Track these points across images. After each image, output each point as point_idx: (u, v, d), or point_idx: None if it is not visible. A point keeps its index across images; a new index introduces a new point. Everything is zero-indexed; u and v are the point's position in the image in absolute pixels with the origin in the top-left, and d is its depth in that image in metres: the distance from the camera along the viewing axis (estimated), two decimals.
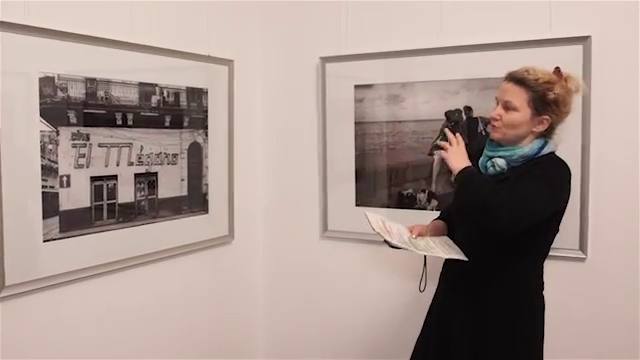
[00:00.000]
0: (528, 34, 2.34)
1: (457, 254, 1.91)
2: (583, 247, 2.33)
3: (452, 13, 2.52)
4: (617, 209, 2.29)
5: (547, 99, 1.82)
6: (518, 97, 1.83)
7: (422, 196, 2.62)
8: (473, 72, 2.44)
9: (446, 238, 2.06)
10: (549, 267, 2.34)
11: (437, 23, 2.54)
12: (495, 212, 1.69)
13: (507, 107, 1.85)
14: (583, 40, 2.26)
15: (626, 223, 2.27)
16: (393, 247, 1.94)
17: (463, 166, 1.84)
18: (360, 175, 2.77)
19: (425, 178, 2.61)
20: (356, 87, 2.75)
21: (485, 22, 2.45)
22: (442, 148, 1.94)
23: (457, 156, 1.87)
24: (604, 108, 2.27)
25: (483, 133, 2.46)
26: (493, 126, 1.90)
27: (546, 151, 1.87)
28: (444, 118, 2.53)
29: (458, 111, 2.51)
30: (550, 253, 2.38)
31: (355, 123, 2.76)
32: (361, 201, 2.77)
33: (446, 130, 1.98)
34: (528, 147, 1.87)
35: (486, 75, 2.42)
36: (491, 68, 2.41)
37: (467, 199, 1.82)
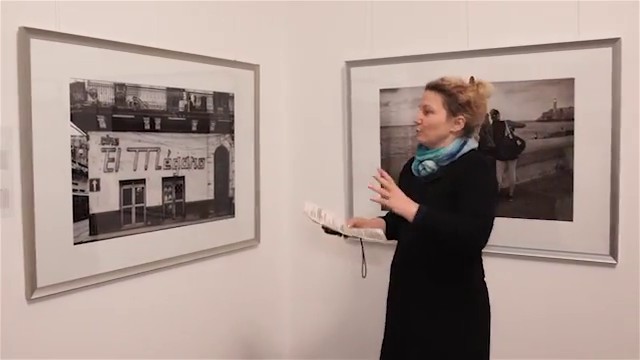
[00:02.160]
0: (556, 37, 2.32)
1: (375, 237, 2.10)
2: (614, 252, 2.28)
3: (478, 16, 2.50)
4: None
5: (460, 101, 2.00)
6: (435, 101, 2.03)
7: None
8: (499, 75, 2.41)
9: (379, 229, 2.14)
10: (576, 273, 2.31)
11: (463, 26, 2.53)
12: (471, 240, 1.91)
13: (426, 111, 2.04)
14: (612, 42, 2.23)
15: None
16: (328, 232, 2.16)
17: (414, 209, 1.92)
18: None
19: None
20: (381, 91, 2.75)
21: (512, 25, 2.44)
22: (382, 191, 1.98)
23: (402, 200, 1.96)
24: (635, 110, 2.23)
25: (510, 137, 2.44)
26: (417, 131, 2.08)
27: (467, 149, 2.03)
28: None
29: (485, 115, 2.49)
30: (578, 259, 2.36)
31: (380, 127, 2.77)
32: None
33: (378, 171, 2.02)
34: (450, 146, 2.03)
35: (512, 78, 2.41)
36: (517, 71, 2.41)
37: (439, 238, 1.93)
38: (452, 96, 2.01)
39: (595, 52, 2.26)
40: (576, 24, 2.30)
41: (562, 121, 2.34)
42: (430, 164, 2.04)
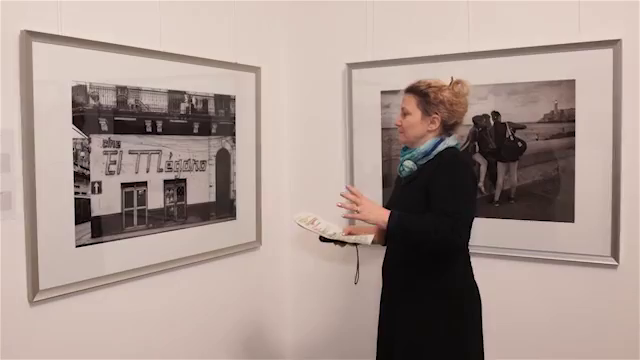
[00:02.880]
0: (556, 38, 2.32)
1: (360, 241, 2.15)
2: (615, 254, 2.28)
3: (479, 18, 2.51)
4: None
5: (432, 101, 2.06)
6: (409, 103, 2.11)
7: None
8: (501, 77, 2.43)
9: (370, 235, 2.18)
10: (578, 274, 2.31)
11: (464, 28, 2.54)
12: (445, 240, 1.90)
13: (404, 113, 2.12)
14: (613, 44, 2.23)
15: None
16: (323, 241, 2.26)
17: (386, 216, 1.96)
18: (387, 181, 2.77)
19: None
20: (383, 93, 2.75)
21: (512, 27, 2.44)
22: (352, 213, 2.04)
23: (372, 210, 2.01)
24: (635, 111, 2.23)
25: (511, 138, 2.44)
26: (399, 132, 2.17)
27: (442, 147, 2.05)
28: (472, 124, 2.51)
29: (486, 116, 2.49)
30: (579, 260, 2.36)
31: (382, 129, 2.77)
32: (388, 207, 2.76)
33: (347, 188, 2.09)
34: (425, 145, 2.07)
35: (514, 80, 2.42)
36: (519, 73, 2.41)
37: (413, 241, 1.99)
38: (425, 96, 2.07)
39: (596, 53, 2.26)
40: (577, 25, 2.30)
41: (563, 122, 2.34)
42: (409, 164, 2.09)
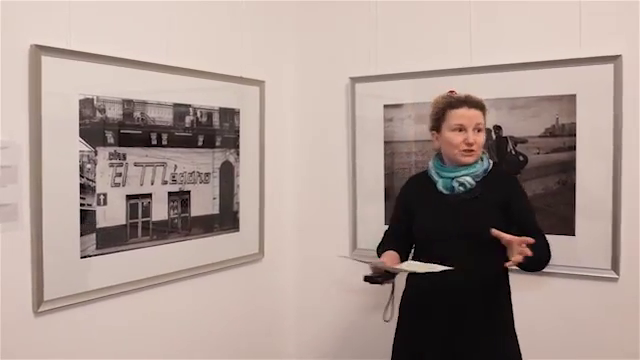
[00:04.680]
0: (558, 54, 2.34)
1: (442, 267, 1.90)
2: (615, 267, 2.29)
3: (481, 33, 2.53)
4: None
5: (485, 115, 2.05)
6: (482, 119, 2.03)
7: None
8: (502, 91, 2.45)
9: (412, 262, 2.07)
10: (579, 287, 2.31)
11: (466, 43, 2.56)
12: (550, 257, 1.98)
13: (478, 129, 2.02)
14: (614, 59, 2.25)
15: None
16: (375, 282, 1.98)
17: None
18: (389, 194, 2.78)
19: None
20: (385, 107, 2.77)
21: (514, 42, 2.46)
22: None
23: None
24: (636, 126, 2.25)
25: (513, 152, 2.45)
26: (469, 151, 2.00)
27: (491, 164, 2.08)
28: None
29: (487, 130, 2.50)
30: (580, 273, 2.37)
31: (384, 142, 2.79)
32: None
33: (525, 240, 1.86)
34: (485, 162, 2.06)
35: (515, 94, 2.44)
36: (520, 87, 2.43)
37: (542, 264, 1.99)
38: (485, 111, 2.04)
39: (597, 69, 2.28)
40: (578, 41, 2.32)
41: (564, 137, 2.36)
42: (469, 180, 2.01)
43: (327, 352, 3.07)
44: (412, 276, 2.10)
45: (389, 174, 2.78)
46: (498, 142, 2.50)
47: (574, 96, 2.34)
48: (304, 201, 3.10)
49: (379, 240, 2.80)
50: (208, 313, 2.62)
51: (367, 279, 1.99)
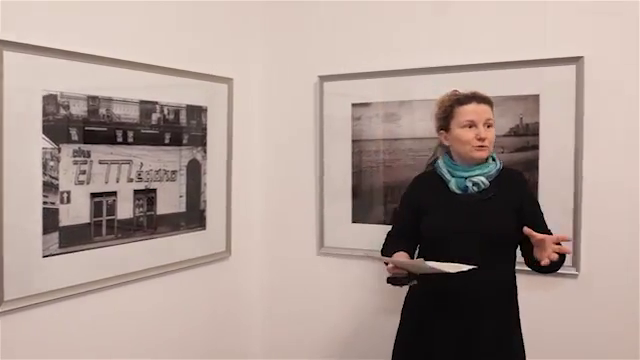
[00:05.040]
0: (522, 54, 2.39)
1: (464, 266, 1.84)
2: (576, 264, 2.35)
3: (449, 33, 2.57)
4: (610, 225, 2.32)
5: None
6: (491, 115, 2.03)
7: None
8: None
9: (422, 260, 1.92)
10: (541, 284, 2.37)
11: (433, 43, 2.60)
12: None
13: (489, 125, 2.01)
14: (576, 60, 2.31)
15: (620, 238, 2.31)
16: (400, 284, 1.93)
17: None
18: (357, 192, 2.80)
19: None
20: (353, 105, 2.79)
21: (481, 42, 2.50)
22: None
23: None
24: (597, 126, 2.31)
25: None
26: (480, 147, 1.99)
27: (501, 163, 2.08)
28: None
29: None
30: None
31: (352, 141, 2.80)
32: (357, 218, 2.81)
33: (527, 231, 1.88)
34: (497, 162, 2.06)
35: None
36: (486, 87, 2.40)
37: (557, 268, 1.94)
38: (492, 107, 2.04)
39: (560, 70, 2.33)
40: (543, 42, 2.38)
41: (528, 136, 2.41)
42: (483, 180, 2.00)
43: (293, 351, 3.08)
44: (420, 277, 1.99)
45: (357, 172, 2.80)
46: None
47: (538, 96, 2.38)
48: (272, 199, 3.10)
49: (346, 237, 2.84)
50: (174, 312, 2.61)
51: (390, 280, 1.95)
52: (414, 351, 2.09)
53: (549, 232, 1.97)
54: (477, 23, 2.51)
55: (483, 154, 2.00)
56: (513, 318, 2.05)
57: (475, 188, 2.00)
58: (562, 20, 2.35)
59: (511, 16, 2.44)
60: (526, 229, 1.87)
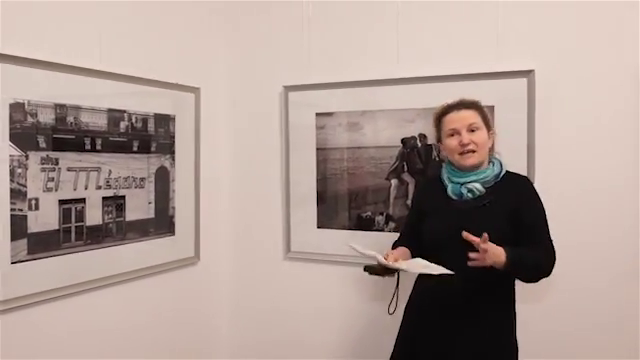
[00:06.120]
0: (477, 67, 2.50)
1: (443, 269, 1.91)
2: None
3: (408, 46, 2.66)
4: (558, 224, 2.36)
5: (486, 115, 2.08)
6: (476, 118, 2.04)
7: (380, 218, 2.73)
8: (428, 101, 2.55)
9: (419, 259, 2.03)
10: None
11: (394, 55, 2.68)
12: (549, 270, 1.96)
13: (471, 129, 2.02)
14: (527, 74, 2.42)
15: (568, 237, 2.35)
16: (375, 273, 1.98)
17: (504, 256, 1.85)
18: (322, 198, 2.87)
19: (383, 201, 2.72)
20: (317, 115, 2.85)
21: (439, 55, 2.60)
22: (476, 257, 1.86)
23: (495, 255, 1.84)
24: (547, 138, 2.42)
25: (437, 159, 2.59)
26: (466, 152, 2.01)
27: (505, 168, 2.07)
28: (400, 145, 2.66)
29: (414, 138, 2.64)
30: None
31: (317, 149, 2.86)
32: (322, 223, 2.87)
33: (482, 240, 1.83)
34: (497, 166, 2.05)
35: (439, 104, 2.55)
36: (444, 98, 2.47)
37: (532, 274, 1.96)
38: (482, 111, 2.05)
39: (512, 82, 2.44)
40: (495, 56, 2.48)
41: None
42: (478, 186, 2.00)
43: (259, 352, 3.12)
44: (420, 277, 2.10)
45: (321, 179, 2.86)
46: (424, 149, 2.63)
47: (493, 107, 2.46)
48: (239, 206, 3.15)
49: (312, 242, 2.91)
50: (144, 316, 2.63)
51: (367, 269, 1.99)
52: (403, 351, 2.15)
53: (545, 242, 1.96)
54: (435, 37, 2.61)
55: (471, 160, 2.01)
56: (503, 323, 2.02)
57: (470, 195, 2.02)
58: (514, 36, 2.46)
59: (468, 31, 2.55)
60: (464, 233, 1.86)
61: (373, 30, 2.75)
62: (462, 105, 2.06)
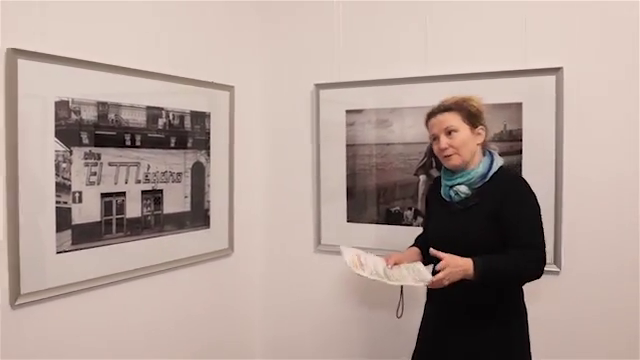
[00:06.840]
0: (505, 65, 2.50)
1: (423, 281, 1.91)
2: (557, 261, 2.45)
3: (436, 45, 2.68)
4: (589, 226, 2.42)
5: (476, 112, 2.01)
6: (454, 119, 2.00)
7: (409, 213, 2.77)
8: None
9: (419, 264, 2.06)
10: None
11: (422, 54, 2.70)
12: (533, 275, 1.91)
13: (449, 132, 2.00)
14: (556, 71, 2.41)
15: (597, 237, 2.41)
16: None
17: (471, 268, 1.83)
18: (351, 193, 2.91)
19: (411, 196, 2.76)
20: (347, 112, 2.90)
21: (466, 53, 2.61)
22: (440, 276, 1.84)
23: (456, 271, 1.83)
24: (576, 132, 2.42)
25: None
26: (446, 156, 2.00)
27: (496, 167, 2.00)
28: (428, 141, 2.67)
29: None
30: None
31: (346, 145, 2.91)
32: (352, 217, 2.92)
33: (432, 252, 1.89)
34: (481, 167, 1.99)
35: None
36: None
37: (509, 279, 1.91)
38: (464, 110, 1.99)
39: (540, 79, 2.44)
40: (524, 54, 2.48)
41: (511, 141, 2.50)
42: (463, 189, 1.99)
43: (292, 346, 3.17)
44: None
45: (351, 175, 2.90)
46: None
47: (520, 104, 2.48)
48: (271, 199, 3.21)
49: (341, 236, 2.94)
50: (180, 305, 2.70)
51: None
52: (421, 347, 2.20)
53: (528, 245, 1.89)
54: (463, 36, 2.62)
55: (452, 161, 2.00)
56: (511, 321, 2.00)
57: (457, 197, 2.01)
58: (543, 33, 2.46)
59: (496, 29, 2.56)
60: (431, 250, 1.87)
61: (402, 29, 2.77)
62: (441, 109, 2.04)
